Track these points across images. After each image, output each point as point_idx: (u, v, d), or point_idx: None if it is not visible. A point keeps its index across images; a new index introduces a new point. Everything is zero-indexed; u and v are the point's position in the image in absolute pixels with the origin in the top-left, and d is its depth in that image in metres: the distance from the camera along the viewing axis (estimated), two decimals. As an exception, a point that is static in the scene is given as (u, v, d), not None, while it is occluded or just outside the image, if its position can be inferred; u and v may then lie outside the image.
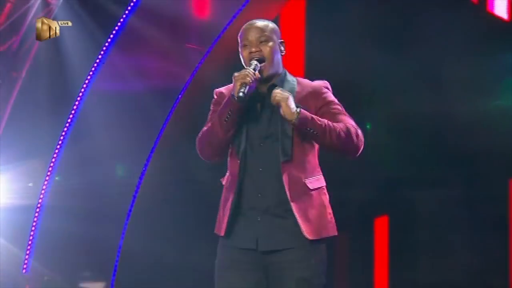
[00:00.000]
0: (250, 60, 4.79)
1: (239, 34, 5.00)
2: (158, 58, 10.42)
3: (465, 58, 9.82)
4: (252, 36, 4.87)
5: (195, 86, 10.55)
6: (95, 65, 10.02)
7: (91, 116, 10.13)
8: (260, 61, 4.78)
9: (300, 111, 4.67)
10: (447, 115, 9.78)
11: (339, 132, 4.77)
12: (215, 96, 5.02)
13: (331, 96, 4.97)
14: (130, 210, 10.64)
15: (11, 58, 10.08)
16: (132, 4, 10.00)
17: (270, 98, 4.79)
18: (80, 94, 10.04)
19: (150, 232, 10.76)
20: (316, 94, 4.94)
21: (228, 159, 4.92)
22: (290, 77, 5.02)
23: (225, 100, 4.76)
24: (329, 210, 4.86)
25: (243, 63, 4.92)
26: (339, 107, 4.98)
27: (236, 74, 4.71)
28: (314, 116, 4.77)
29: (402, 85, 9.88)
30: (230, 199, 4.79)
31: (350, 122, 4.92)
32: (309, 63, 10.46)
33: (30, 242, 10.29)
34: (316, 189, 4.84)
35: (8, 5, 9.98)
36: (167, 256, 10.82)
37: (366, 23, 10.26)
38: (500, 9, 10.51)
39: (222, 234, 4.82)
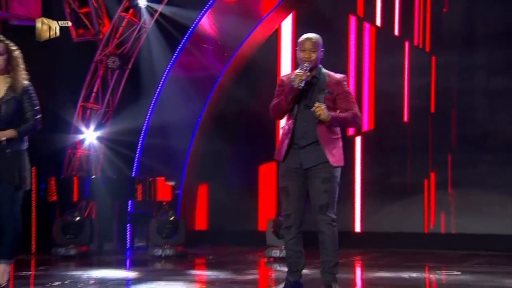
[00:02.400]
0: (303, 61, 5.89)
1: (299, 41, 5.98)
2: (206, 56, 12.11)
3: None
4: (306, 46, 5.92)
5: (228, 73, 12.33)
6: (171, 61, 11.86)
7: (168, 90, 11.90)
8: (309, 67, 5.86)
9: (331, 117, 5.80)
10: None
11: (349, 121, 6.00)
12: (278, 82, 6.12)
13: (346, 87, 6.04)
14: (193, 136, 12.24)
15: (123, 57, 11.77)
16: (195, 21, 11.64)
17: (313, 83, 5.94)
18: (163, 77, 11.89)
19: (207, 146, 12.35)
20: (338, 84, 6.01)
21: (286, 117, 6.05)
22: (323, 71, 6.03)
23: (289, 87, 5.87)
24: (342, 150, 6.02)
25: (297, 59, 5.97)
26: (349, 95, 6.05)
27: (297, 72, 5.83)
28: (337, 116, 5.88)
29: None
30: (287, 140, 5.95)
31: (355, 109, 6.01)
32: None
33: (137, 156, 11.94)
34: (336, 138, 5.99)
35: (121, 28, 11.70)
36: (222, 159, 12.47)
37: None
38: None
39: (282, 159, 6.02)
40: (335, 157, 5.98)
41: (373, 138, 12.07)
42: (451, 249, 10.99)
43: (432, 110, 11.86)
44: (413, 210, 11.79)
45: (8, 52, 6.55)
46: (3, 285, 6.49)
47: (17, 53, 6.60)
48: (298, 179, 6.01)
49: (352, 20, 12.16)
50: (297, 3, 12.33)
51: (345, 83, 6.08)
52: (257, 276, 8.22)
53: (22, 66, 6.61)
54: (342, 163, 6.03)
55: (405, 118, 11.88)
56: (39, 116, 6.62)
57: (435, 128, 11.83)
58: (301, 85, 5.83)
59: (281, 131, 6.18)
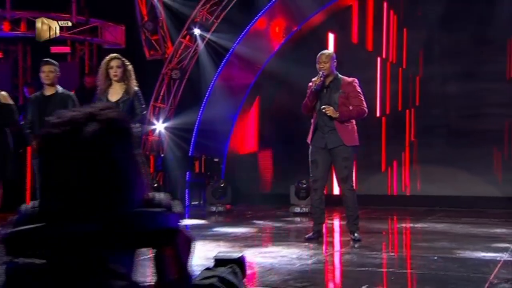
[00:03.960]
0: (319, 70, 5.85)
1: (317, 56, 5.93)
2: (241, 69, 11.87)
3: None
4: (321, 59, 5.91)
5: (259, 80, 12.04)
6: (217, 72, 11.64)
7: (215, 93, 11.66)
8: (323, 75, 5.82)
9: (338, 114, 5.76)
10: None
11: (355, 115, 5.91)
12: (309, 86, 5.98)
13: (356, 87, 5.91)
14: (233, 124, 11.98)
15: (183, 70, 11.63)
16: (234, 44, 11.40)
17: (330, 86, 5.85)
18: (211, 84, 11.64)
19: (243, 132, 11.97)
20: (350, 84, 5.95)
21: (313, 111, 6.00)
22: (339, 76, 5.94)
23: (310, 90, 5.86)
24: (356, 133, 5.94)
25: (317, 69, 5.87)
26: (359, 94, 5.90)
27: (314, 79, 5.83)
28: (344, 113, 5.76)
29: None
30: (312, 127, 5.95)
31: (361, 105, 5.87)
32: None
33: (192, 139, 11.64)
34: (348, 125, 5.93)
35: (180, 50, 11.50)
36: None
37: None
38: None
39: (310, 141, 6.02)
40: (347, 139, 5.90)
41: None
42: (415, 207, 10.80)
43: (400, 108, 11.61)
44: (388, 179, 11.68)
45: (124, 66, 6.62)
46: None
47: (130, 67, 6.67)
48: (324, 155, 5.97)
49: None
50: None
51: (355, 84, 6.02)
52: (294, 225, 8.20)
53: (133, 76, 6.68)
54: (355, 143, 5.97)
55: (378, 114, 11.63)
56: (145, 112, 6.71)
57: (403, 121, 11.64)
58: (317, 88, 5.77)
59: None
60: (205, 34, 11.57)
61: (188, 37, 11.72)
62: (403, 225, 8.27)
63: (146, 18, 11.42)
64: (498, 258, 4.96)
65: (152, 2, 11.37)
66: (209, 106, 11.80)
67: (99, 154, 1.06)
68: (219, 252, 1.33)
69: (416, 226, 8.07)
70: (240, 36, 11.56)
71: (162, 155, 11.67)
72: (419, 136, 11.44)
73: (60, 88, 6.63)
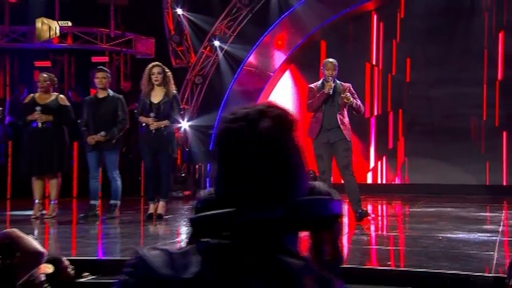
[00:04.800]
0: (328, 76, 5.79)
1: (324, 63, 5.89)
2: (255, 77, 11.73)
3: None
4: (329, 66, 5.85)
5: (270, 84, 11.86)
6: (233, 79, 11.51)
7: (232, 97, 11.47)
8: (333, 80, 5.83)
9: (352, 100, 5.80)
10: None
11: (358, 106, 5.90)
12: (309, 88, 6.00)
13: (352, 91, 5.97)
14: None
15: (204, 76, 11.55)
16: (248, 54, 11.33)
17: (336, 88, 5.81)
18: (228, 88, 11.47)
19: None
20: (349, 90, 5.95)
21: (319, 111, 5.91)
22: (337, 82, 5.95)
23: (321, 92, 5.79)
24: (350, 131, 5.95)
25: (324, 75, 5.81)
26: (355, 96, 5.98)
27: (326, 84, 5.79)
28: (356, 102, 5.85)
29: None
30: (318, 125, 5.89)
31: (360, 102, 5.98)
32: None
33: (212, 135, 11.00)
34: (347, 123, 5.94)
35: (202, 59, 11.38)
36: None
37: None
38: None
39: (315, 137, 5.90)
40: (347, 135, 5.89)
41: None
42: (402, 194, 10.66)
43: (389, 109, 11.48)
44: (378, 170, 11.58)
45: (164, 72, 6.57)
46: (163, 215, 6.49)
47: (169, 73, 6.62)
48: (328, 149, 5.90)
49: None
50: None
51: (351, 88, 5.96)
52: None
53: (172, 81, 6.62)
54: (351, 139, 5.98)
55: (370, 114, 11.45)
56: (182, 112, 6.65)
57: (392, 120, 11.52)
58: (331, 91, 5.75)
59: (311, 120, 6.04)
60: (223, 46, 11.49)
61: (209, 48, 11.61)
62: (399, 209, 8.19)
63: (173, 32, 11.36)
64: (493, 238, 4.87)
65: (178, 18, 11.32)
66: (227, 107, 11.51)
67: (274, 147, 1.01)
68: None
69: (412, 210, 7.97)
70: (253, 48, 11.48)
71: (187, 149, 11.50)
72: (407, 133, 11.33)
73: (111, 92, 6.61)
